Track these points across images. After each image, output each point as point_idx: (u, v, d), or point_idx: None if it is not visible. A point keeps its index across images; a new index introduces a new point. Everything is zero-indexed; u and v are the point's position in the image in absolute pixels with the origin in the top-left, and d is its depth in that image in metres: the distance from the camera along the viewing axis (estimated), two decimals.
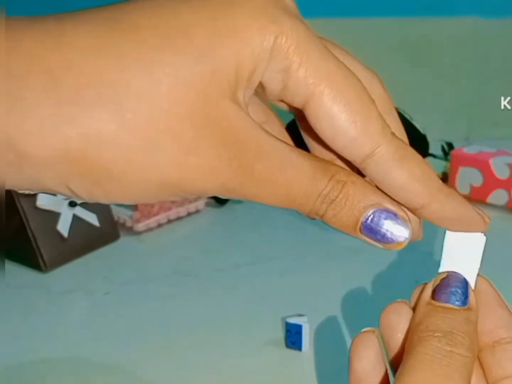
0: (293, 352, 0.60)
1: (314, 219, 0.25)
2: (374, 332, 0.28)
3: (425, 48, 1.18)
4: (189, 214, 0.90)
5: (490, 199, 0.89)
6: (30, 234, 0.74)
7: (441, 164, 0.97)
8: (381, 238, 0.24)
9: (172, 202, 0.87)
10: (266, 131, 0.23)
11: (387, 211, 0.24)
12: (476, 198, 0.89)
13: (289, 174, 0.23)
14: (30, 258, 0.75)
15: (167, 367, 0.58)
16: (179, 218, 0.89)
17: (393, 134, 0.24)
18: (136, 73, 0.21)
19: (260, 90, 0.24)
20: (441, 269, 0.27)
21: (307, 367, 0.58)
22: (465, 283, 0.26)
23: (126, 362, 0.59)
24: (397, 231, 0.24)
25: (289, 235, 0.85)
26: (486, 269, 0.27)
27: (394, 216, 0.24)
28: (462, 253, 0.27)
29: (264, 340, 0.61)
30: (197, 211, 0.91)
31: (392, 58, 1.15)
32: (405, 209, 0.25)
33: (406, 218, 0.24)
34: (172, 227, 0.88)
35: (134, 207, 0.85)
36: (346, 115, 0.22)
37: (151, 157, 0.21)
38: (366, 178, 0.25)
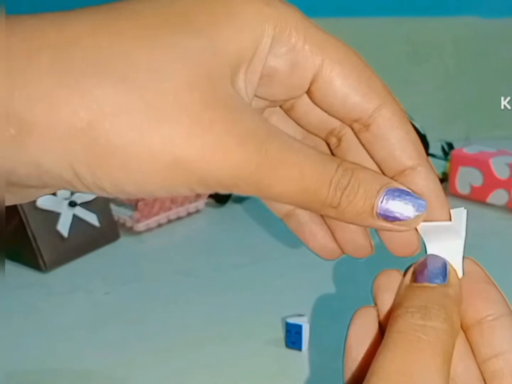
0: (293, 352, 0.60)
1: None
2: (374, 307, 0.28)
3: (425, 48, 1.18)
4: (189, 214, 0.90)
5: (490, 199, 0.88)
6: (30, 234, 0.74)
7: (441, 164, 0.97)
8: (399, 216, 0.24)
9: (172, 202, 0.87)
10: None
11: (399, 189, 0.24)
12: (476, 198, 0.89)
13: (300, 156, 0.23)
14: (30, 258, 0.75)
15: (167, 367, 0.58)
16: (179, 218, 0.89)
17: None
18: (141, 47, 0.21)
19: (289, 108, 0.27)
20: (428, 251, 0.27)
21: (307, 367, 0.58)
22: (444, 264, 0.26)
23: (126, 362, 0.59)
24: (413, 205, 0.24)
25: (289, 235, 0.85)
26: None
27: (407, 192, 0.24)
28: (446, 230, 0.27)
29: (264, 340, 0.61)
30: (197, 211, 0.91)
31: (392, 58, 1.15)
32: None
33: (418, 193, 0.25)
34: (172, 227, 0.88)
35: (134, 207, 0.85)
36: (355, 74, 0.25)
37: (161, 129, 0.20)
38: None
